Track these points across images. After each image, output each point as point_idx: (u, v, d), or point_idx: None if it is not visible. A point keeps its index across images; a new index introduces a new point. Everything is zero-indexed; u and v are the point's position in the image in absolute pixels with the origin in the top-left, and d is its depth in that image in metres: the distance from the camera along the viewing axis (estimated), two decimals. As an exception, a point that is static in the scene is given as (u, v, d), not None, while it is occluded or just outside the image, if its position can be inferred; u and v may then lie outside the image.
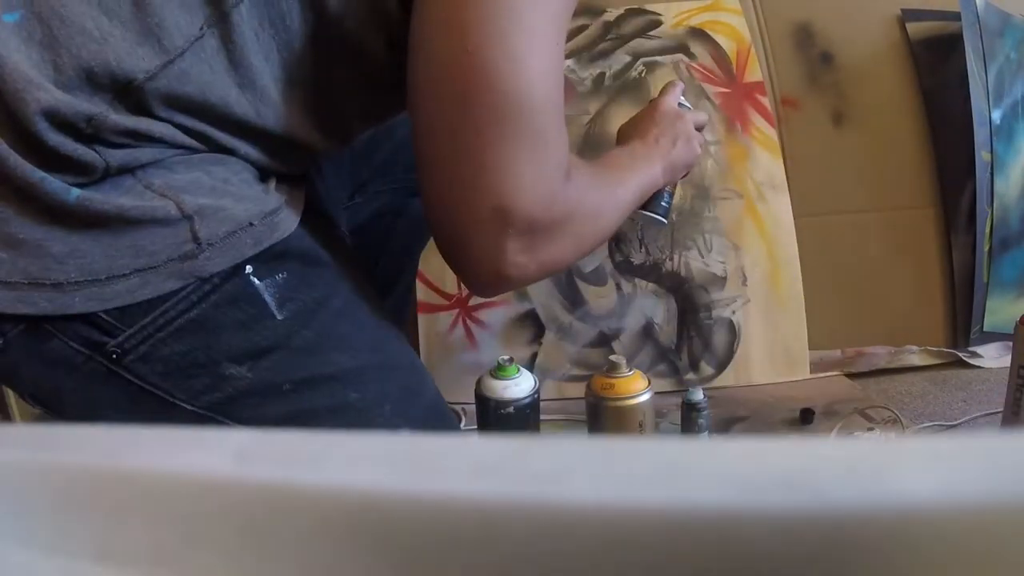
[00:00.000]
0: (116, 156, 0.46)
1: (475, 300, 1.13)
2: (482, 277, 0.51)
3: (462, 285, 1.14)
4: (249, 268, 0.48)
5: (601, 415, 0.72)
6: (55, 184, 0.44)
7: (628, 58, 1.18)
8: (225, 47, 0.48)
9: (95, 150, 0.45)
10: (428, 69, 0.46)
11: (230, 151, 0.50)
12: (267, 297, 0.49)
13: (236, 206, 0.48)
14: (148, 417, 0.49)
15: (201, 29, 0.47)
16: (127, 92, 0.46)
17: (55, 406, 0.51)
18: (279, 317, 0.49)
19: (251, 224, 0.48)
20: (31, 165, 0.43)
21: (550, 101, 0.46)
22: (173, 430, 0.21)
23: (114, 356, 0.46)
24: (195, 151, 0.49)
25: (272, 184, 0.53)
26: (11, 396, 0.94)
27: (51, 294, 0.44)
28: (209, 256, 0.46)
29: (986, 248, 1.12)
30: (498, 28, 0.43)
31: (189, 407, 0.48)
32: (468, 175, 0.46)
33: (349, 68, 0.52)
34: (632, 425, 0.69)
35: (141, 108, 0.46)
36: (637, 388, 0.69)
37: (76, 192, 0.44)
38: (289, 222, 0.51)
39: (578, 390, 0.94)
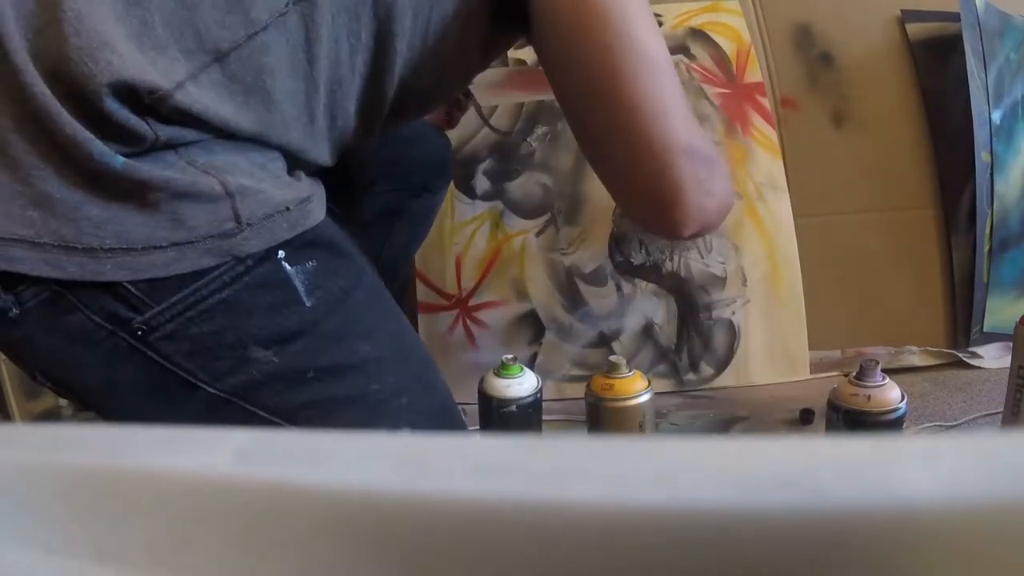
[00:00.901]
0: (165, 131, 0.45)
1: (475, 300, 1.13)
2: (690, 214, 0.54)
3: (462, 285, 1.14)
4: (282, 253, 0.48)
5: (601, 415, 0.72)
6: (102, 148, 0.43)
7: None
8: (305, 26, 0.48)
9: (147, 122, 0.45)
10: (588, 74, 0.53)
11: (268, 140, 0.51)
12: (297, 283, 0.49)
13: (274, 190, 0.48)
14: (166, 397, 0.48)
15: (287, 5, 0.47)
16: (214, 61, 0.46)
17: (65, 383, 0.50)
18: (308, 304, 0.49)
19: (288, 209, 0.49)
20: (81, 125, 0.43)
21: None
22: (172, 429, 0.21)
23: (139, 333, 0.46)
24: (235, 137, 0.49)
25: (300, 174, 0.53)
26: (10, 395, 0.94)
27: (82, 259, 0.43)
28: (247, 236, 0.47)
29: (986, 248, 1.12)
30: (628, 19, 0.52)
31: (211, 389, 0.48)
32: (658, 129, 0.52)
33: (400, 71, 0.55)
34: (632, 425, 0.69)
35: (214, 85, 0.46)
36: (637, 389, 0.69)
37: (122, 159, 0.44)
38: (319, 210, 0.52)
39: (578, 390, 0.94)
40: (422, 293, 1.15)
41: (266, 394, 0.49)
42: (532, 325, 1.12)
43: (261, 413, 0.49)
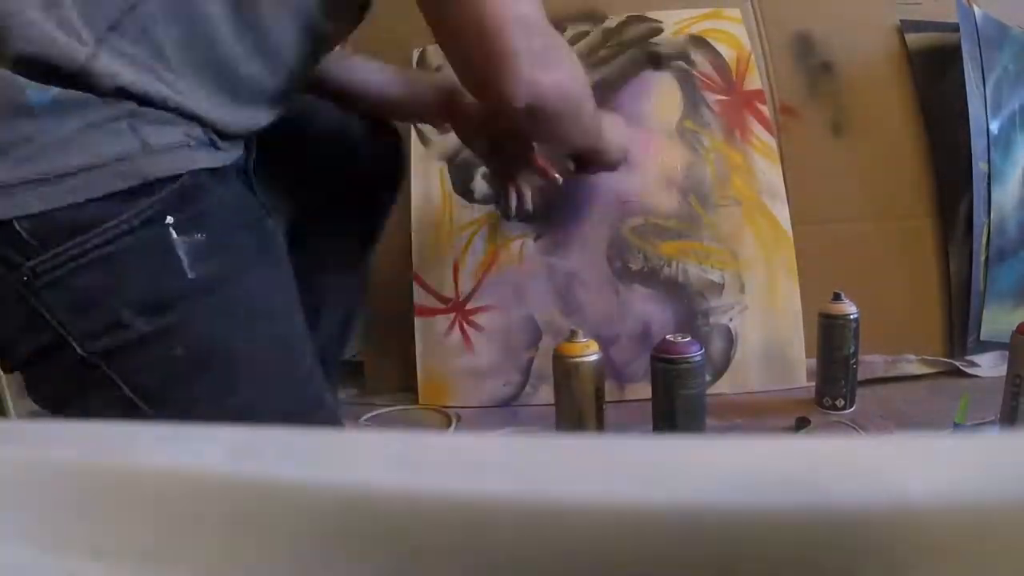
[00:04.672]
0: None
1: (472, 304, 1.13)
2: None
3: (459, 289, 1.14)
4: (170, 219, 0.49)
5: (562, 369, 0.90)
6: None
7: (628, 65, 1.19)
8: None
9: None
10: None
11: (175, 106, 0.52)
12: (181, 253, 0.49)
13: (179, 135, 0.51)
14: (42, 351, 0.49)
15: None
16: (108, 30, 0.48)
17: None
18: (189, 276, 0.49)
19: (189, 145, 0.50)
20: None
21: None
22: (167, 427, 0.21)
23: (26, 279, 0.47)
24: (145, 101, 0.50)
25: (216, 139, 0.55)
26: (6, 392, 0.94)
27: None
28: (152, 160, 0.48)
29: (983, 258, 1.13)
30: None
31: (79, 350, 0.48)
32: None
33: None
34: (585, 376, 0.88)
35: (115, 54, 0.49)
36: (589, 350, 0.88)
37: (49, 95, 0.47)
38: (223, 157, 0.54)
39: (575, 395, 0.94)
40: (419, 296, 1.15)
41: (130, 364, 0.49)
42: (529, 329, 1.12)
43: (122, 385, 0.49)
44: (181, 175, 0.50)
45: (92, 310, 0.48)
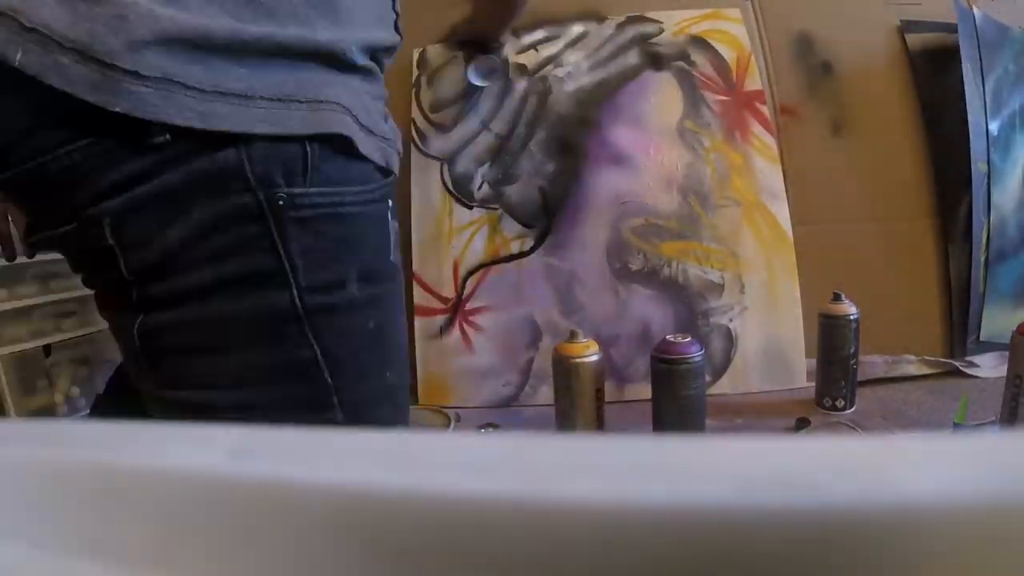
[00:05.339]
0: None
1: (472, 304, 1.13)
2: None
3: (459, 289, 1.14)
4: (391, 203, 0.53)
5: (562, 370, 0.91)
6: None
7: (628, 65, 1.19)
8: None
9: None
10: None
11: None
12: (392, 236, 0.53)
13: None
14: (253, 281, 0.46)
15: None
16: None
17: (143, 238, 0.44)
18: (391, 258, 0.53)
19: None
20: None
21: None
22: (166, 426, 0.21)
23: (281, 203, 0.44)
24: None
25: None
26: (6, 391, 0.94)
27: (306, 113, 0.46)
28: (392, 150, 0.53)
29: (983, 258, 1.13)
30: None
31: (296, 296, 0.46)
32: None
33: None
34: (585, 377, 0.89)
35: None
36: (589, 351, 0.90)
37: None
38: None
39: (575, 395, 0.94)
40: (419, 296, 1.15)
41: (331, 326, 0.48)
42: (529, 330, 1.12)
43: (313, 344, 0.47)
44: (392, 171, 0.54)
45: (328, 263, 0.47)
